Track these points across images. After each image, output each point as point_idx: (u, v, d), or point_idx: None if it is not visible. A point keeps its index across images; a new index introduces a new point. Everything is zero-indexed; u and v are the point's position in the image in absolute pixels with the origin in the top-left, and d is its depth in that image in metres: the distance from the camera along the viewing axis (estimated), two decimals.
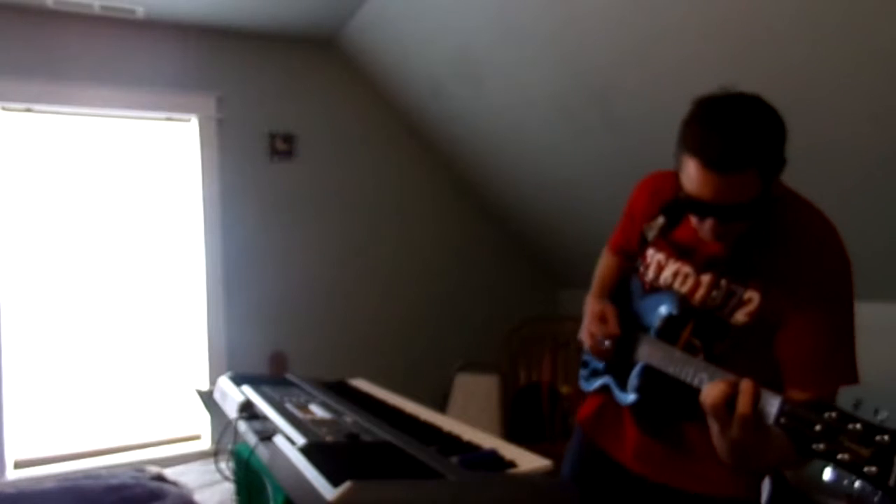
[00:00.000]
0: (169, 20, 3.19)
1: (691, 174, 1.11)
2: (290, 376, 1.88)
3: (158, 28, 3.22)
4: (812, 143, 2.02)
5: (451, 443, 1.19)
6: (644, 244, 1.38)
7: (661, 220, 1.26)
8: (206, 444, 3.32)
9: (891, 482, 0.78)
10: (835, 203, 2.09)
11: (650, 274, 1.36)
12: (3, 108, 3.00)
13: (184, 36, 3.28)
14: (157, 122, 3.33)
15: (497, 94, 3.05)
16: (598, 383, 1.44)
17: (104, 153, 3.24)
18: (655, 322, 1.30)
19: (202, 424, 3.34)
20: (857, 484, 2.31)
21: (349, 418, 1.34)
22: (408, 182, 3.88)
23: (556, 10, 2.39)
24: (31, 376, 3.06)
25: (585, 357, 1.52)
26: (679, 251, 1.31)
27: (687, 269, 1.29)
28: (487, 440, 1.20)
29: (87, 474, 2.28)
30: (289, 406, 1.41)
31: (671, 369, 1.19)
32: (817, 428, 0.86)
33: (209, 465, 2.94)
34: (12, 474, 2.95)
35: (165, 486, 2.17)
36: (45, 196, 3.12)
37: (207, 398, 1.76)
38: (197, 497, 2.39)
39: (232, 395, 1.55)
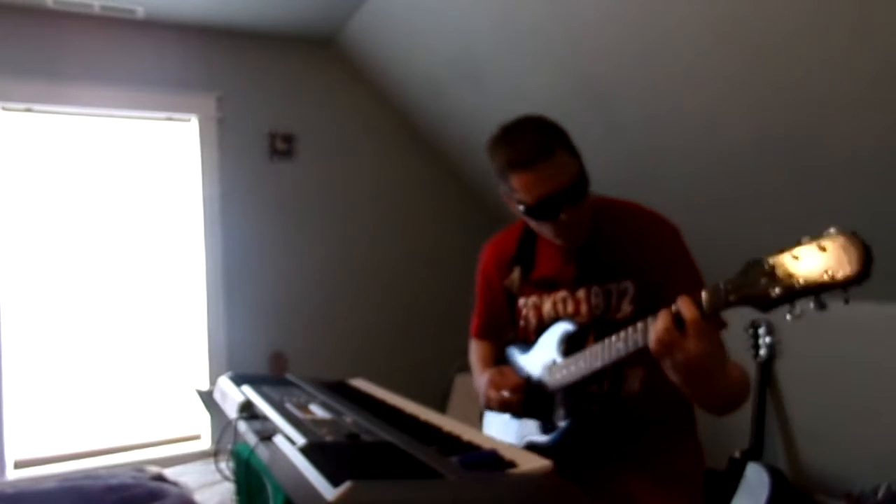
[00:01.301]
0: (169, 20, 3.19)
1: (521, 183, 1.24)
2: (290, 376, 1.88)
3: (158, 28, 3.22)
4: (815, 144, 2.03)
5: (451, 443, 1.19)
6: (513, 300, 1.47)
7: (516, 271, 1.43)
8: (206, 444, 3.32)
9: (853, 269, 0.82)
10: (836, 203, 2.10)
11: (532, 319, 1.42)
12: (3, 108, 3.01)
13: (184, 36, 3.28)
14: (157, 122, 3.33)
15: (497, 96, 3.05)
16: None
17: (104, 153, 3.24)
18: (551, 356, 1.34)
19: (202, 424, 3.34)
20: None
21: (349, 418, 1.34)
22: (408, 182, 3.88)
23: (558, 14, 2.39)
24: (31, 376, 3.06)
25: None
26: (546, 286, 1.41)
27: (561, 294, 1.38)
28: (487, 440, 1.20)
29: (87, 474, 2.28)
30: (289, 406, 1.41)
31: (598, 363, 1.21)
32: (763, 281, 0.90)
33: (209, 465, 2.94)
34: (12, 474, 2.95)
35: (165, 486, 2.17)
36: (45, 196, 3.13)
37: (207, 398, 1.76)
38: (197, 497, 2.39)
39: (232, 395, 1.54)
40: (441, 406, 3.51)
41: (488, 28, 2.71)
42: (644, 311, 1.22)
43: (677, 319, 1.01)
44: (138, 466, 2.51)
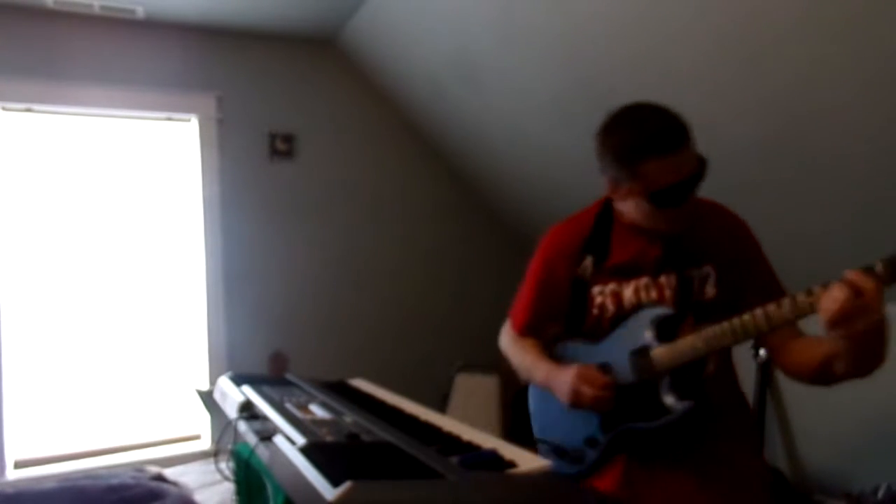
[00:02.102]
0: (169, 20, 3.19)
1: (656, 169, 1.23)
2: (290, 376, 1.88)
3: (158, 28, 3.22)
4: (817, 145, 2.03)
5: (451, 443, 1.19)
6: (583, 289, 1.41)
7: (588, 259, 1.39)
8: (206, 444, 3.32)
9: None
10: (835, 203, 2.10)
11: (609, 307, 1.38)
12: (3, 108, 3.01)
13: (184, 36, 3.28)
14: (157, 122, 3.33)
15: (498, 96, 3.05)
16: (594, 454, 1.36)
17: (104, 153, 3.24)
18: (636, 343, 1.31)
19: (202, 424, 3.34)
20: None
21: (349, 418, 1.34)
22: (408, 182, 3.88)
23: (559, 13, 2.39)
24: (31, 376, 3.06)
25: (556, 445, 1.43)
26: (624, 273, 1.37)
27: (643, 280, 1.36)
28: (487, 440, 1.20)
29: (87, 474, 2.28)
30: (289, 406, 1.41)
31: (726, 342, 1.21)
32: None
33: (209, 465, 2.94)
34: (12, 474, 2.95)
35: (165, 486, 2.17)
36: (45, 196, 3.13)
37: (207, 398, 1.76)
38: (197, 497, 2.39)
39: (232, 395, 1.55)
40: (441, 406, 3.51)
41: (488, 28, 2.71)
42: (727, 294, 1.31)
43: (856, 290, 1.04)
44: (138, 466, 2.51)
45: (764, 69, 1.97)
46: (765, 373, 2.61)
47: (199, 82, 3.34)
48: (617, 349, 1.35)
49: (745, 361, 2.64)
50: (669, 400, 1.26)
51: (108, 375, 3.22)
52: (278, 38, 3.48)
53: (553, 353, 1.48)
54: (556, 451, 1.43)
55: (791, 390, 2.63)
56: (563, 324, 1.47)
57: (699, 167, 1.27)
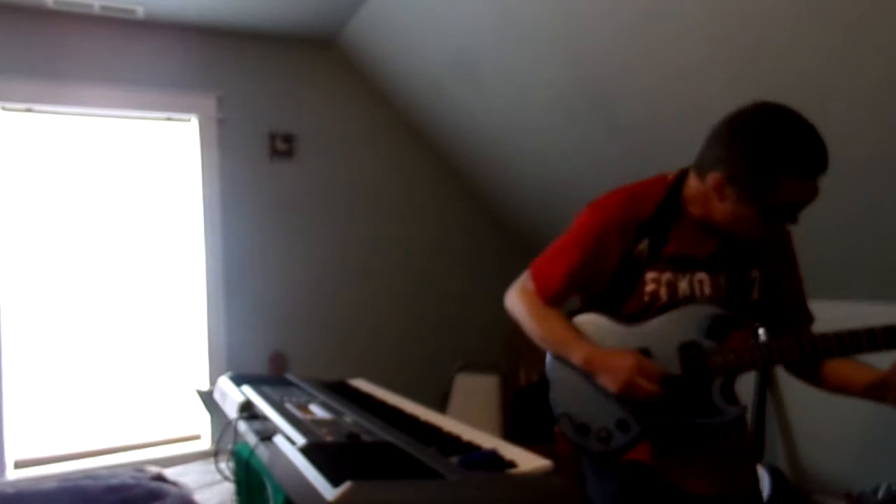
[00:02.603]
0: (169, 20, 3.19)
1: (796, 189, 1.23)
2: (290, 376, 1.88)
3: (158, 28, 3.22)
4: None
5: (451, 443, 1.19)
6: (636, 270, 1.34)
7: (645, 242, 1.32)
8: (206, 444, 3.32)
9: None
10: (836, 202, 2.10)
11: (663, 296, 1.32)
12: (3, 108, 3.01)
13: (184, 36, 3.28)
14: (157, 122, 3.33)
15: (498, 96, 3.05)
16: (624, 438, 1.33)
17: (104, 153, 3.24)
18: (685, 335, 1.28)
19: (202, 424, 3.34)
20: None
21: (349, 418, 1.34)
22: (408, 182, 3.88)
23: (559, 13, 2.39)
24: (31, 376, 3.06)
25: (580, 422, 1.36)
26: (681, 265, 1.33)
27: (700, 276, 1.32)
28: (487, 440, 1.20)
29: (87, 474, 2.28)
30: (289, 406, 1.41)
31: (794, 356, 1.24)
32: None
33: (209, 465, 2.94)
34: (12, 474, 2.95)
35: (165, 486, 2.17)
36: (45, 196, 3.12)
37: (207, 398, 1.76)
38: (197, 497, 2.39)
39: (232, 395, 1.55)
40: (441, 406, 3.51)
41: (488, 28, 2.71)
42: (766, 297, 1.35)
43: None
44: (138, 466, 2.51)
45: (764, 68, 1.97)
46: (765, 373, 2.61)
47: (199, 82, 3.33)
48: (659, 337, 1.30)
49: None
50: (720, 401, 1.26)
51: (108, 375, 3.22)
52: (278, 38, 3.48)
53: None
54: (580, 429, 1.36)
55: (791, 390, 2.63)
56: (585, 296, 1.42)
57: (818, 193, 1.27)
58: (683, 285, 1.32)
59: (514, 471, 1.04)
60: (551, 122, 2.91)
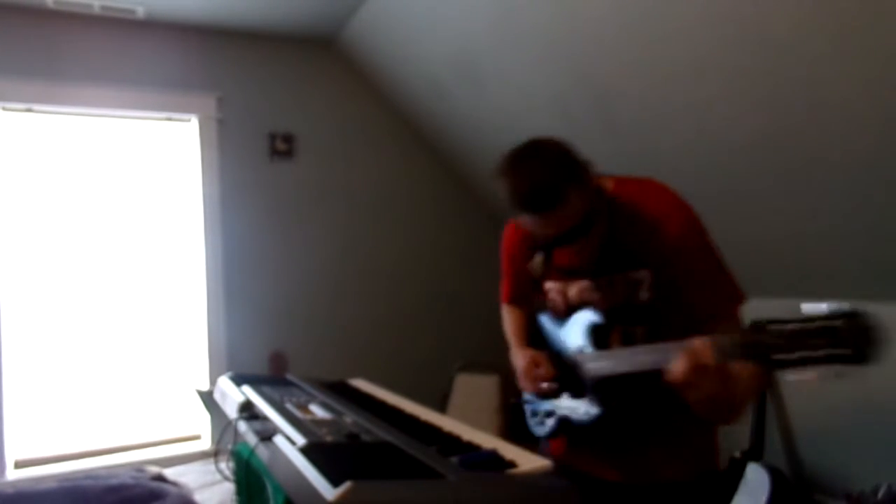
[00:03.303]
0: (169, 20, 3.19)
1: (528, 224, 1.29)
2: (290, 376, 1.88)
3: (158, 28, 3.22)
4: (818, 145, 2.02)
5: (451, 443, 1.19)
6: (537, 282, 1.52)
7: (538, 257, 1.42)
8: (206, 444, 3.32)
9: (868, 354, 0.83)
10: (836, 202, 2.10)
11: (559, 303, 1.48)
12: (3, 108, 3.01)
13: (184, 36, 3.28)
14: (157, 122, 3.33)
15: (497, 96, 3.05)
16: (551, 423, 1.51)
17: (104, 153, 3.24)
18: (580, 340, 1.41)
19: (202, 424, 3.34)
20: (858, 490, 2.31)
21: (349, 418, 1.34)
22: (408, 182, 3.88)
23: (558, 13, 2.39)
24: (31, 376, 3.06)
25: (529, 407, 1.60)
26: (569, 273, 1.45)
27: (584, 283, 1.43)
28: (487, 440, 1.20)
29: (87, 474, 2.27)
30: (289, 406, 1.41)
31: (624, 368, 1.27)
32: (777, 342, 0.93)
33: (209, 465, 2.94)
34: (12, 474, 2.95)
35: (165, 486, 2.17)
36: (45, 196, 3.13)
37: (207, 398, 1.76)
38: (197, 497, 2.39)
39: (232, 395, 1.54)
40: (441, 406, 3.50)
41: (488, 28, 2.71)
42: (662, 297, 1.34)
43: (697, 366, 1.07)
44: (138, 466, 2.51)
45: (764, 67, 1.97)
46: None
47: (199, 82, 3.34)
48: (568, 338, 1.46)
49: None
50: (590, 403, 1.39)
51: (109, 375, 3.22)
52: (278, 38, 3.48)
53: (538, 321, 1.61)
54: (532, 413, 1.60)
55: (791, 391, 2.63)
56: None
57: (581, 217, 1.27)
58: (573, 292, 1.45)
59: (514, 471, 1.04)
60: (550, 121, 2.91)
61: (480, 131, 3.42)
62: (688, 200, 1.36)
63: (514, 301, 1.70)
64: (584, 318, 1.41)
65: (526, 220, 1.29)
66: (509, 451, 1.12)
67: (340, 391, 1.70)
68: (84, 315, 3.19)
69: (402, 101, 3.70)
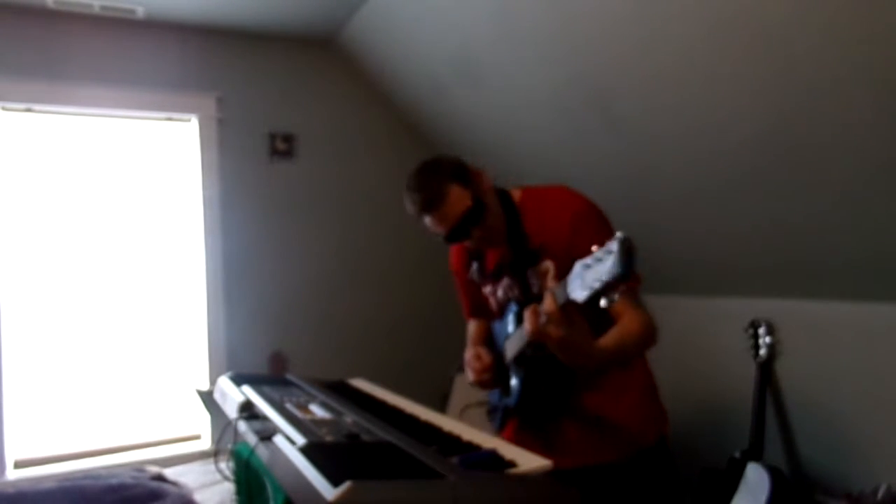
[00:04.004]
0: (169, 20, 3.19)
1: (429, 224, 1.54)
2: (290, 376, 1.88)
3: (158, 28, 3.22)
4: (815, 142, 2.02)
5: (451, 443, 1.19)
6: (478, 288, 1.76)
7: (474, 266, 1.73)
8: (206, 444, 3.32)
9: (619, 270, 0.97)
10: (836, 197, 2.10)
11: (494, 305, 1.69)
12: (3, 108, 3.01)
13: (184, 36, 3.28)
14: (157, 122, 3.33)
15: (497, 94, 3.05)
16: (499, 415, 1.69)
17: (104, 153, 3.24)
18: (511, 329, 1.57)
19: (202, 424, 3.34)
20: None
21: (349, 418, 1.34)
22: None
23: (557, 11, 2.39)
24: (31, 376, 3.06)
25: (490, 405, 1.77)
26: (495, 276, 1.67)
27: (506, 281, 1.63)
28: (487, 440, 1.20)
29: (87, 474, 2.27)
30: (289, 406, 1.41)
31: (522, 341, 1.40)
32: (576, 282, 1.08)
33: (209, 465, 2.94)
34: (12, 474, 2.95)
35: (165, 486, 2.17)
36: (45, 196, 3.13)
37: (207, 398, 1.76)
38: (197, 497, 2.39)
39: (232, 395, 1.55)
40: (441, 406, 3.51)
41: (487, 27, 2.71)
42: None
43: (541, 315, 1.21)
44: (138, 466, 2.51)
45: (760, 63, 1.97)
46: (765, 373, 2.61)
47: (199, 82, 3.34)
48: (500, 336, 1.65)
49: (745, 362, 2.64)
50: (512, 383, 1.57)
51: (108, 375, 3.22)
52: (278, 38, 3.48)
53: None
54: (491, 409, 1.77)
55: (791, 390, 2.63)
56: None
57: (468, 208, 1.49)
58: (500, 292, 1.66)
59: (514, 471, 1.04)
60: (549, 119, 2.91)
61: (480, 130, 3.42)
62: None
63: (474, 315, 1.89)
64: (510, 312, 1.59)
65: (426, 224, 1.53)
66: (509, 451, 1.12)
67: (340, 391, 1.70)
68: (84, 315, 3.19)
69: (401, 100, 3.70)
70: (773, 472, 2.40)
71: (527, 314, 1.21)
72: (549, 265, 1.45)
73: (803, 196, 2.20)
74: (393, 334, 3.76)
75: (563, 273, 1.38)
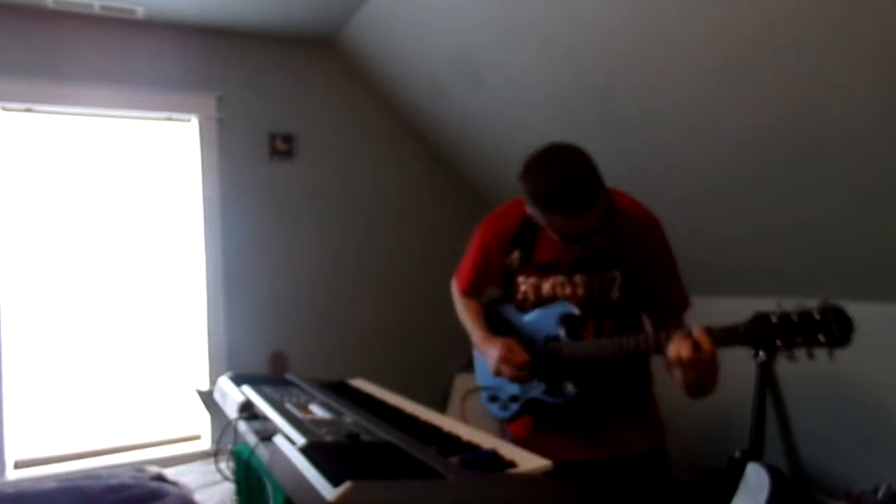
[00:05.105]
0: (169, 20, 3.19)
1: (559, 222, 1.40)
2: (290, 376, 1.88)
3: (158, 28, 3.22)
4: (814, 142, 2.03)
5: (451, 443, 1.19)
6: (510, 275, 1.66)
7: (516, 252, 1.62)
8: (206, 444, 3.32)
9: (836, 336, 1.12)
10: (836, 196, 2.10)
11: (531, 296, 1.62)
12: (3, 108, 3.01)
13: (184, 36, 3.28)
14: (157, 122, 3.33)
15: (497, 94, 3.05)
16: (516, 407, 1.65)
17: (104, 153, 3.24)
18: (552, 329, 1.55)
19: (202, 424, 3.34)
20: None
21: (349, 418, 1.34)
22: (407, 181, 3.88)
23: (557, 10, 2.39)
24: (31, 376, 3.06)
25: (491, 393, 1.73)
26: (545, 269, 1.59)
27: (559, 279, 1.56)
28: (487, 440, 1.20)
29: (87, 474, 2.27)
30: (289, 406, 1.41)
31: (607, 353, 1.43)
32: (769, 331, 1.19)
33: (209, 465, 2.94)
34: (12, 474, 2.95)
35: (165, 486, 2.17)
36: (45, 196, 3.13)
37: (207, 398, 1.76)
38: (197, 497, 2.39)
39: (232, 395, 1.55)
40: (441, 406, 3.51)
41: (488, 27, 2.71)
42: (629, 297, 1.51)
43: (696, 346, 1.24)
44: (138, 466, 2.51)
45: (759, 60, 1.97)
46: (765, 373, 2.61)
47: (198, 82, 3.34)
48: (536, 328, 1.59)
49: (746, 361, 2.64)
50: (566, 385, 1.53)
51: (109, 375, 3.22)
52: (278, 38, 3.48)
53: (497, 311, 1.75)
54: (491, 397, 1.73)
55: (791, 390, 2.63)
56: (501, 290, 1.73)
57: (603, 217, 1.42)
58: (546, 287, 1.59)
59: (513, 471, 1.04)
60: (549, 117, 2.91)
61: (479, 130, 3.42)
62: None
63: (471, 292, 1.84)
64: (557, 310, 1.55)
65: (555, 219, 1.39)
66: (509, 451, 1.12)
67: (340, 391, 1.70)
68: (84, 315, 3.19)
69: (401, 100, 3.70)
70: (773, 472, 2.40)
71: (682, 343, 1.25)
72: (617, 274, 1.51)
73: (803, 196, 2.20)
74: (393, 334, 3.76)
75: (628, 286, 1.50)
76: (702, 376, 1.28)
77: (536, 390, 1.59)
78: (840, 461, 2.46)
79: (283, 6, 3.12)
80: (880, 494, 2.12)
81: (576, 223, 1.38)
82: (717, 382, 1.37)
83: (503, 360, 1.56)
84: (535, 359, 1.55)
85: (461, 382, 3.58)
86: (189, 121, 3.36)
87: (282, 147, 3.53)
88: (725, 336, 1.24)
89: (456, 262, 4.36)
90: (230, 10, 3.13)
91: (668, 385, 1.77)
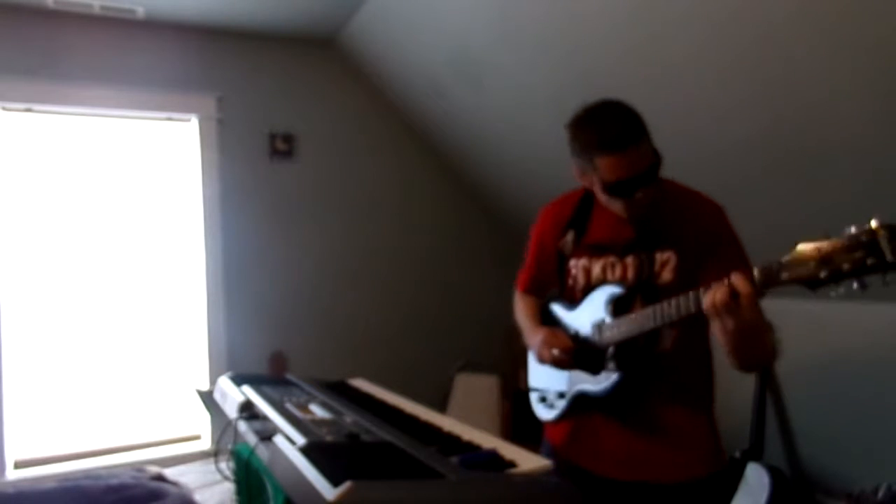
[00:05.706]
0: (169, 20, 3.19)
1: (606, 164, 1.36)
2: (290, 376, 1.88)
3: (158, 28, 3.22)
4: (813, 141, 2.03)
5: (451, 443, 1.19)
6: (563, 260, 1.60)
7: (570, 234, 1.57)
8: (206, 444, 3.32)
9: (888, 258, 0.98)
10: (837, 192, 2.10)
11: (580, 280, 1.55)
12: (3, 108, 3.01)
13: (184, 36, 3.28)
14: (157, 122, 3.33)
15: (497, 94, 3.05)
16: (563, 404, 1.56)
17: (104, 153, 3.24)
18: (599, 315, 1.47)
19: (202, 424, 3.34)
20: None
21: (349, 418, 1.34)
22: (408, 182, 3.88)
23: (557, 10, 2.39)
24: (31, 376, 3.06)
25: (536, 395, 1.67)
26: (596, 250, 1.53)
27: (611, 259, 1.50)
28: (487, 440, 1.20)
29: (87, 474, 2.27)
30: (289, 406, 1.41)
31: (650, 324, 1.34)
32: (811, 264, 1.09)
33: (209, 465, 2.94)
34: (12, 474, 2.95)
35: (165, 486, 2.17)
36: (45, 196, 3.13)
37: (207, 398, 1.76)
38: (197, 497, 2.39)
39: (232, 395, 1.55)
40: (441, 406, 3.51)
41: (487, 27, 2.71)
42: (683, 280, 1.38)
43: (733, 292, 1.15)
44: (138, 466, 2.51)
45: (760, 61, 1.97)
46: (765, 373, 2.61)
47: (198, 82, 3.34)
48: (583, 317, 1.52)
49: None
50: (609, 368, 1.44)
51: (109, 375, 3.22)
52: (278, 38, 3.48)
53: (549, 309, 1.66)
54: (540, 398, 1.66)
55: (791, 390, 2.63)
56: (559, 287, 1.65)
57: (650, 166, 1.38)
58: (597, 269, 1.52)
59: (514, 471, 1.04)
60: (550, 118, 2.90)
61: (480, 130, 3.42)
62: None
63: (530, 291, 1.75)
64: (604, 293, 1.47)
65: (608, 162, 1.35)
66: (509, 451, 1.12)
67: (340, 391, 1.70)
68: (84, 315, 3.19)
69: (401, 100, 3.70)
70: (773, 472, 2.40)
71: (718, 289, 1.16)
72: (671, 255, 1.42)
73: (803, 196, 2.20)
74: (393, 334, 3.76)
75: (683, 268, 1.40)
76: (741, 327, 1.16)
77: (583, 384, 1.50)
78: (840, 461, 2.46)
79: (283, 6, 3.12)
80: (880, 494, 2.12)
81: (621, 163, 1.34)
82: (768, 343, 1.28)
83: (545, 342, 1.50)
84: (579, 346, 1.48)
85: (461, 382, 3.58)
86: (189, 121, 3.36)
87: (282, 147, 3.53)
88: (764, 276, 1.13)
89: (456, 260, 4.37)
90: (230, 10, 3.13)
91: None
